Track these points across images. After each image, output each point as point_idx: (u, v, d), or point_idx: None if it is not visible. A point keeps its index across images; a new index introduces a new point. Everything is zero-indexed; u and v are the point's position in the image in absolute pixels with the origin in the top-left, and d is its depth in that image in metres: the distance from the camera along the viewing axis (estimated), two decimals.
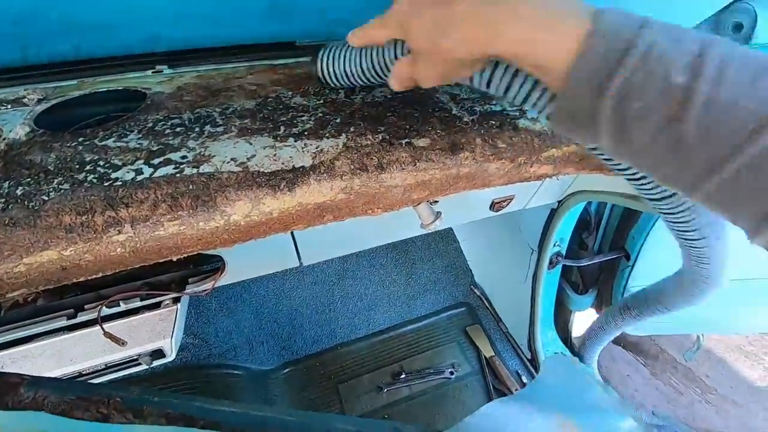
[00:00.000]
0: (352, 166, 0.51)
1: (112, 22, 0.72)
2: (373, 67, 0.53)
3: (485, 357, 1.62)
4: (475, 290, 1.90)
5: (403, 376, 1.53)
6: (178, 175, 0.48)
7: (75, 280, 0.48)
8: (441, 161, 0.54)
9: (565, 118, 0.37)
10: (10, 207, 0.45)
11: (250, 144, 0.53)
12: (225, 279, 0.82)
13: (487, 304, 1.84)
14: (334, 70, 0.59)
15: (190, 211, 0.46)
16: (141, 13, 0.71)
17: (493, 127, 0.58)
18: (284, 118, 0.58)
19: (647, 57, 0.31)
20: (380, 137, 0.54)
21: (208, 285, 0.81)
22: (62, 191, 0.46)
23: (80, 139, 0.54)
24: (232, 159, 0.50)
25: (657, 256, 1.20)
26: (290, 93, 0.65)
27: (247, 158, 0.50)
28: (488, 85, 0.45)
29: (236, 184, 0.48)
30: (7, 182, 0.47)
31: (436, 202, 0.84)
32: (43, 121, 0.60)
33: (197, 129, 0.55)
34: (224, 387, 1.40)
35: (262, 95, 0.65)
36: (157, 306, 0.81)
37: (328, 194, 0.50)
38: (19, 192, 0.46)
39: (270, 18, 0.81)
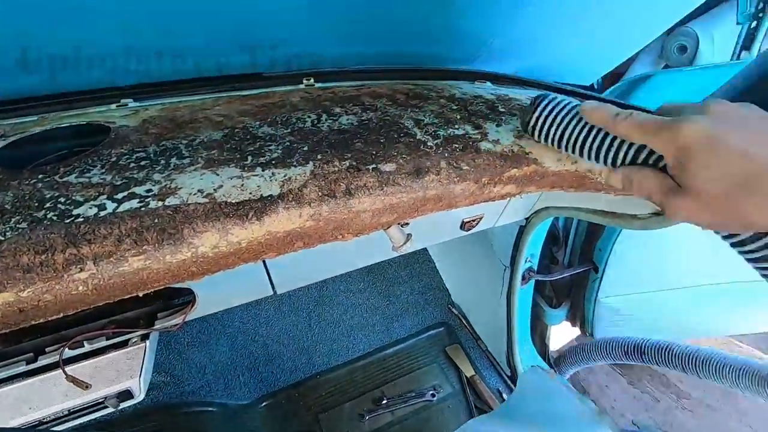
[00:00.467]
0: (320, 193, 0.52)
1: (76, 55, 0.72)
2: (599, 148, 0.50)
3: (466, 376, 1.62)
4: (453, 309, 1.91)
5: (384, 401, 1.50)
6: (143, 208, 0.47)
7: (33, 322, 0.47)
8: (408, 185, 0.55)
9: None
10: None
11: (217, 175, 0.53)
12: (196, 312, 0.80)
13: (465, 322, 1.85)
14: (548, 129, 0.56)
15: (156, 245, 0.46)
16: (105, 46, 0.71)
17: (456, 150, 0.61)
18: (252, 148, 0.58)
19: None
20: (347, 163, 0.55)
21: (178, 320, 0.79)
22: (20, 230, 0.45)
23: (40, 176, 0.53)
24: (198, 191, 0.50)
25: (623, 268, 1.25)
26: (257, 123, 0.66)
27: (214, 189, 0.50)
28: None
29: (203, 216, 0.48)
30: None
31: (407, 224, 0.85)
32: (1, 158, 0.59)
33: (162, 161, 0.55)
34: (199, 426, 1.34)
35: (229, 126, 0.65)
36: (124, 344, 0.78)
37: (297, 222, 0.51)
38: None
39: (237, 49, 0.83)
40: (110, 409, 0.75)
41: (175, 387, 1.47)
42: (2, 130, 0.68)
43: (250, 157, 0.56)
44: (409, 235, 0.69)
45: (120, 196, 0.49)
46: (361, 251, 0.94)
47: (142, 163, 0.55)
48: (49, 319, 0.48)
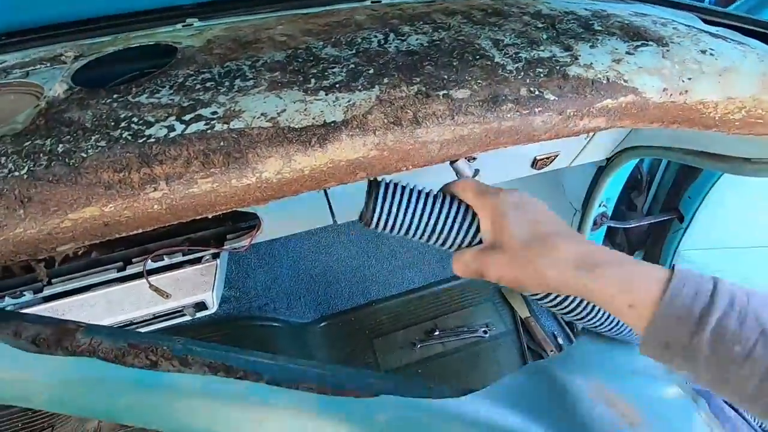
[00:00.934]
0: (385, 121, 0.48)
1: None
2: (434, 233, 0.50)
3: (520, 318, 1.61)
4: None
5: (436, 333, 1.55)
6: (209, 131, 0.47)
7: (117, 236, 0.50)
8: (481, 114, 0.50)
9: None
10: (52, 164, 0.46)
11: (281, 98, 0.51)
12: (261, 236, 0.84)
13: None
14: (386, 220, 0.50)
15: (222, 168, 0.46)
16: None
17: (540, 76, 0.53)
18: (315, 71, 0.55)
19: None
20: (416, 89, 0.51)
21: (245, 242, 0.83)
22: (100, 148, 0.46)
23: (115, 96, 0.54)
24: (262, 114, 0.49)
25: (714, 219, 1.12)
26: (321, 43, 0.62)
27: (278, 113, 0.49)
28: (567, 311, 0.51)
29: (267, 141, 0.47)
30: (49, 140, 0.48)
31: (474, 158, 0.80)
32: (79, 78, 0.61)
33: (227, 83, 0.54)
34: (264, 338, 1.47)
35: (292, 46, 0.62)
36: (198, 261, 0.84)
37: (361, 151, 0.48)
38: (60, 149, 0.47)
39: None
40: (187, 318, 0.83)
41: (244, 302, 1.61)
42: (80, 50, 0.69)
43: (313, 80, 0.53)
44: (476, 171, 0.65)
45: (187, 117, 0.49)
46: (424, 184, 0.91)
47: (208, 84, 0.54)
48: (130, 233, 0.51)
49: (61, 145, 0.47)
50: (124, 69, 0.65)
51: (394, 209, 0.49)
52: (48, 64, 0.67)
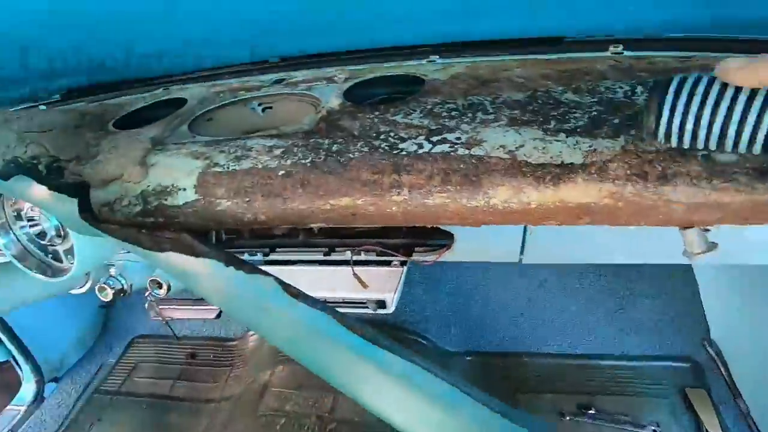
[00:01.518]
0: (628, 171, 0.47)
1: (393, 16, 0.85)
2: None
3: (707, 430, 1.31)
4: (709, 349, 1.53)
5: (591, 411, 1.37)
6: (452, 153, 0.53)
7: (354, 225, 0.60)
8: (749, 183, 0.44)
9: None
10: (327, 159, 0.58)
11: (520, 134, 0.54)
12: (447, 256, 0.89)
13: (722, 369, 1.47)
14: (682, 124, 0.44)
15: (458, 187, 0.51)
16: (417, 9, 0.81)
17: None
18: (555, 113, 0.57)
19: None
20: (669, 145, 0.48)
21: (431, 257, 0.89)
22: (363, 153, 0.57)
23: (376, 113, 0.65)
24: (501, 146, 0.53)
25: None
26: (560, 88, 0.64)
27: (516, 147, 0.52)
28: None
29: (502, 170, 0.50)
30: (327, 140, 0.61)
31: (708, 229, 0.70)
32: (349, 95, 0.75)
33: (470, 114, 0.60)
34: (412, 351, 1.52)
35: (531, 88, 0.65)
36: (387, 264, 0.94)
37: (594, 196, 0.48)
38: (334, 148, 0.59)
39: (537, 12, 0.81)
40: (367, 311, 0.93)
41: (399, 313, 1.70)
42: (348, 74, 0.86)
43: (553, 122, 0.55)
44: (713, 245, 0.57)
45: (435, 139, 0.56)
46: (635, 245, 0.84)
47: (453, 113, 0.61)
48: (362, 226, 0.61)
49: (335, 145, 0.60)
50: (381, 91, 0.78)
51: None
52: (324, 82, 0.85)
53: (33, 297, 1.01)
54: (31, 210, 0.77)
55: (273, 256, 1.03)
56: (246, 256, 1.04)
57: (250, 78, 0.95)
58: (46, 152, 0.66)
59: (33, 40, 0.89)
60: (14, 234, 0.79)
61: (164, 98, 0.92)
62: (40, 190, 0.63)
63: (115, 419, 1.66)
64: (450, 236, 0.85)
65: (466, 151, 0.53)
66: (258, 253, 1.03)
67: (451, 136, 0.56)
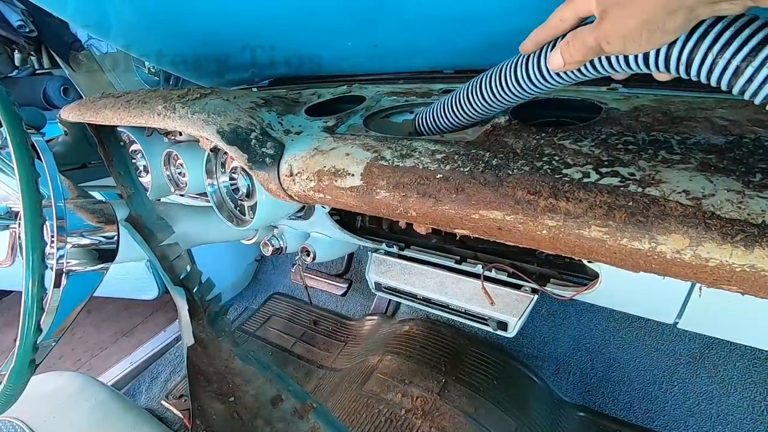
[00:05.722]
0: None
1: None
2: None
3: None
4: None
5: None
6: (621, 188, 0.50)
7: (498, 240, 0.61)
8: None
9: None
10: (485, 171, 0.60)
11: (711, 182, 0.48)
12: (587, 296, 0.82)
13: None
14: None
15: (620, 225, 0.48)
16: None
17: None
18: (764, 165, 0.49)
19: None
20: None
21: (568, 293, 0.84)
22: (522, 171, 0.57)
23: (542, 135, 0.65)
24: (684, 191, 0.48)
25: None
26: None
27: (703, 195, 0.47)
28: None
29: (680, 217, 0.46)
30: (488, 153, 0.63)
31: None
32: (516, 113, 0.76)
33: (650, 151, 0.55)
34: (525, 387, 1.44)
35: (736, 133, 0.57)
36: (517, 287, 0.91)
37: None
38: (494, 162, 0.61)
39: None
40: (487, 329, 0.92)
41: (517, 342, 1.62)
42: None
43: (759, 175, 0.48)
44: None
45: (603, 170, 0.53)
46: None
47: (630, 147, 0.57)
48: (504, 242, 0.61)
49: (495, 160, 0.61)
50: (551, 114, 0.77)
51: None
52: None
53: (218, 238, 1.26)
54: (233, 172, 0.96)
55: (407, 252, 1.09)
56: (384, 246, 1.12)
57: (422, 85, 1.02)
58: (258, 124, 0.82)
59: (257, 38, 1.12)
60: (219, 186, 0.99)
61: (347, 94, 1.05)
62: (244, 156, 0.78)
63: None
64: (595, 275, 0.79)
65: (639, 189, 0.49)
66: (394, 246, 1.10)
67: (623, 170, 0.53)
